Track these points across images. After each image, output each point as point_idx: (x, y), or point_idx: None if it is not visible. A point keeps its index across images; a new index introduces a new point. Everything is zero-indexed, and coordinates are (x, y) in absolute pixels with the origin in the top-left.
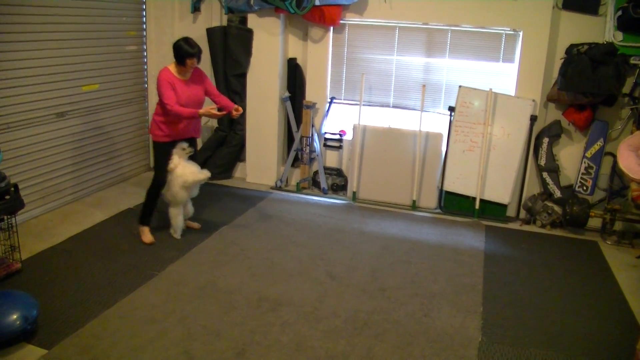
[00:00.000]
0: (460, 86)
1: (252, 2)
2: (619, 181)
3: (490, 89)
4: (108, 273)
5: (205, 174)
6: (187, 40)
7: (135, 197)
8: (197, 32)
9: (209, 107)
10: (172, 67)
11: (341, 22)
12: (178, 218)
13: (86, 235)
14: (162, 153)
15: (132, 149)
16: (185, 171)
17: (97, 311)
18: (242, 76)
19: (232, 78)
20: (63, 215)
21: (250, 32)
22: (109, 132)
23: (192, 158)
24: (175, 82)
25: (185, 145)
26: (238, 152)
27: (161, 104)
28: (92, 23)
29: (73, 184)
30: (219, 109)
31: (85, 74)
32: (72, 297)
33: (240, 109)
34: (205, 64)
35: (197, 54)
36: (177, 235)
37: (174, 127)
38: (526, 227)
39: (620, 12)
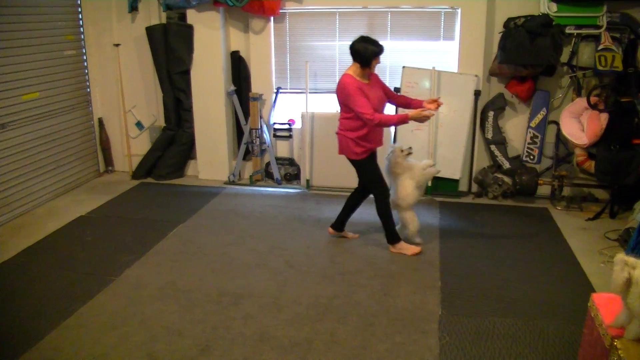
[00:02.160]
0: (403, 67)
1: None
2: (564, 148)
3: (434, 68)
4: (64, 283)
5: (433, 168)
6: (367, 39)
7: (86, 204)
8: (137, 32)
9: (419, 109)
10: (353, 72)
11: (281, 11)
12: (416, 220)
13: (39, 247)
14: (371, 166)
15: (80, 155)
16: (413, 172)
17: (56, 322)
18: (186, 73)
19: (176, 76)
20: (13, 229)
21: (190, 28)
22: (55, 140)
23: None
24: (363, 87)
25: (403, 147)
26: (188, 150)
27: (357, 115)
28: (26, 30)
29: (21, 196)
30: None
31: (24, 83)
32: (29, 311)
33: (440, 101)
34: (147, 64)
35: (382, 50)
36: (419, 238)
37: (372, 138)
38: (478, 200)
39: None
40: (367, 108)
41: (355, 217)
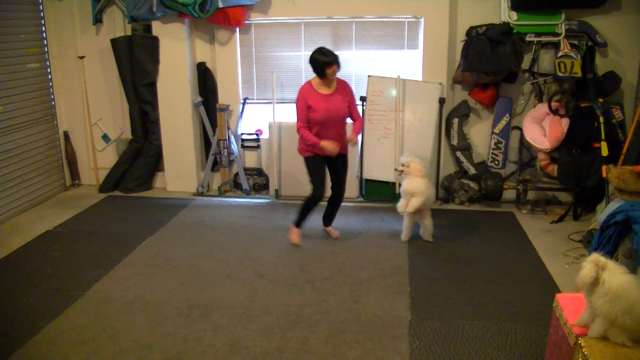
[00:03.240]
0: (369, 76)
1: (154, 9)
2: (527, 153)
3: (399, 76)
4: (31, 300)
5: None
6: (320, 50)
7: (53, 218)
8: (101, 44)
9: (333, 143)
10: (315, 81)
11: (246, 22)
12: (406, 225)
13: (3, 264)
14: (311, 166)
15: (45, 170)
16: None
17: (23, 340)
18: (152, 85)
19: (142, 88)
20: None
21: (155, 40)
22: (18, 155)
23: (344, 173)
24: (313, 96)
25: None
26: (156, 162)
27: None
28: None
29: None
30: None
31: None
32: None
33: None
34: (112, 76)
35: (334, 61)
36: (403, 237)
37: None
38: (445, 206)
39: None
40: (300, 121)
41: (318, 227)
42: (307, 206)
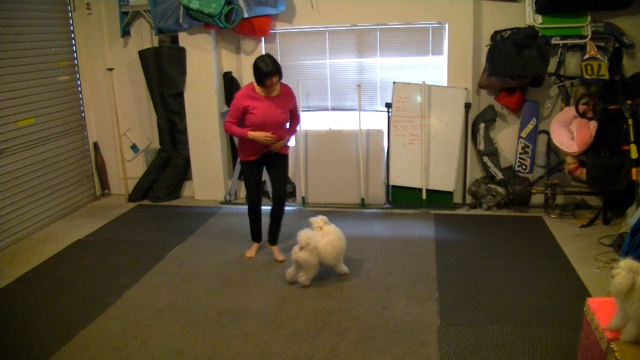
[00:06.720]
0: (394, 82)
1: (181, 20)
2: (555, 157)
3: (424, 82)
4: (63, 307)
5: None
6: (263, 57)
7: (84, 228)
8: (130, 56)
9: (264, 132)
10: (255, 82)
11: (271, 31)
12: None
13: (37, 272)
14: (245, 172)
15: (76, 179)
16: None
17: (56, 347)
18: (179, 95)
19: (169, 98)
20: (11, 255)
21: (182, 51)
22: (50, 166)
23: (282, 175)
24: (252, 99)
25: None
26: (183, 172)
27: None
28: (20, 57)
29: (18, 222)
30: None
31: (19, 109)
32: (28, 337)
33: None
34: (141, 86)
35: (272, 72)
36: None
37: (244, 148)
38: (473, 211)
39: None
40: (230, 117)
41: (345, 234)
42: (249, 215)
